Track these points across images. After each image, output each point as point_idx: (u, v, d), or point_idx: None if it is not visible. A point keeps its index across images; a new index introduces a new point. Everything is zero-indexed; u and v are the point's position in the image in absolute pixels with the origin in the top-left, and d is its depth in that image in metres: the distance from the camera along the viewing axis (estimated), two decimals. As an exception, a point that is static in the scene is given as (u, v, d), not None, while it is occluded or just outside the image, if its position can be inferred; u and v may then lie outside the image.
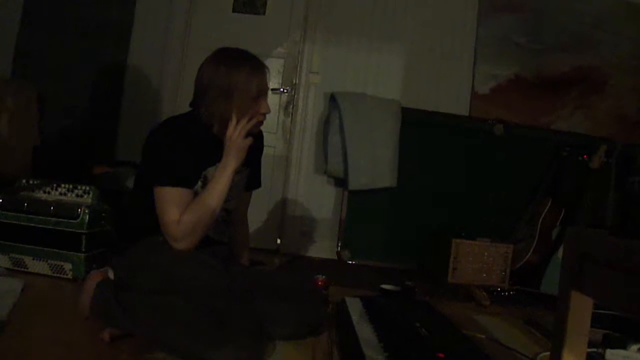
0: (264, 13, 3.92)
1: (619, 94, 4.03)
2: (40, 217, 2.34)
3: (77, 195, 2.46)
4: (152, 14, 3.83)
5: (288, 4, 3.92)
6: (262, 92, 1.90)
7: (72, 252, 2.32)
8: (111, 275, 1.83)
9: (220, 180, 1.82)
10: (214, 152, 1.87)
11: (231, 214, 2.06)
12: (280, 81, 3.90)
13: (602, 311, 2.21)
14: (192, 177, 1.85)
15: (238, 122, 1.84)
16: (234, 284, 1.77)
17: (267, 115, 1.94)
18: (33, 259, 2.33)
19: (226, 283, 1.75)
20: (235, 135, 1.83)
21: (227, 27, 3.86)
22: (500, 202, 3.85)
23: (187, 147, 1.82)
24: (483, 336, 2.11)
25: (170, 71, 3.84)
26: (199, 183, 1.87)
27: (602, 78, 4.02)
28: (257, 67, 1.88)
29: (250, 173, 2.13)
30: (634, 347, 1.84)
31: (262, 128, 2.04)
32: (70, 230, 2.32)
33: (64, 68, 3.71)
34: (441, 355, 1.59)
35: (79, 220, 2.33)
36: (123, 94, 3.82)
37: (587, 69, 4.01)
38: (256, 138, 2.00)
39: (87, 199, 2.44)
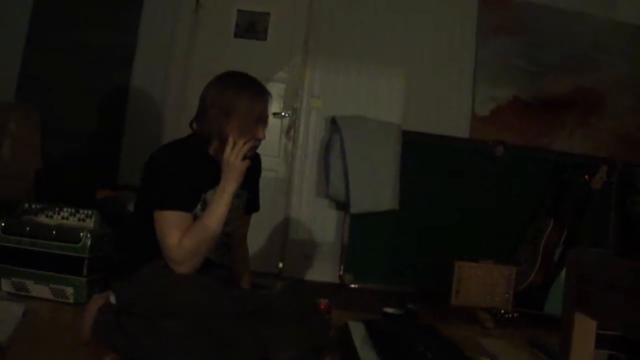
0: (265, 38, 3.96)
1: (618, 113, 4.05)
2: (43, 241, 2.34)
3: (79, 220, 2.46)
4: (155, 39, 3.87)
5: (289, 29, 3.96)
6: (262, 118, 1.92)
7: (73, 276, 2.32)
8: (113, 299, 1.82)
9: (220, 203, 1.82)
10: (214, 176, 1.88)
11: (231, 237, 2.06)
12: (282, 105, 3.93)
13: (607, 332, 2.19)
14: (192, 200, 1.85)
15: (235, 144, 1.85)
16: (236, 307, 1.76)
17: (269, 139, 1.95)
18: (35, 283, 2.32)
19: (228, 307, 1.73)
20: (233, 158, 1.83)
21: (228, 52, 3.90)
22: (502, 224, 3.85)
23: (187, 171, 1.83)
24: (488, 359, 2.10)
25: (172, 95, 3.87)
26: (199, 206, 1.87)
27: (601, 98, 4.05)
28: (260, 93, 1.90)
29: (249, 196, 2.14)
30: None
31: (264, 152, 2.06)
32: (72, 254, 2.32)
33: (67, 92, 3.73)
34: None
35: (81, 244, 2.33)
36: (125, 118, 3.84)
37: (586, 89, 4.03)
38: (254, 160, 2.00)
39: (89, 223, 2.45)
